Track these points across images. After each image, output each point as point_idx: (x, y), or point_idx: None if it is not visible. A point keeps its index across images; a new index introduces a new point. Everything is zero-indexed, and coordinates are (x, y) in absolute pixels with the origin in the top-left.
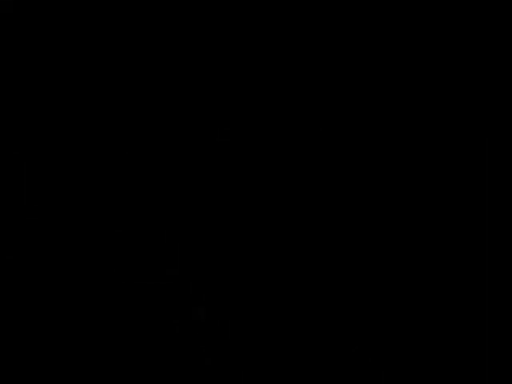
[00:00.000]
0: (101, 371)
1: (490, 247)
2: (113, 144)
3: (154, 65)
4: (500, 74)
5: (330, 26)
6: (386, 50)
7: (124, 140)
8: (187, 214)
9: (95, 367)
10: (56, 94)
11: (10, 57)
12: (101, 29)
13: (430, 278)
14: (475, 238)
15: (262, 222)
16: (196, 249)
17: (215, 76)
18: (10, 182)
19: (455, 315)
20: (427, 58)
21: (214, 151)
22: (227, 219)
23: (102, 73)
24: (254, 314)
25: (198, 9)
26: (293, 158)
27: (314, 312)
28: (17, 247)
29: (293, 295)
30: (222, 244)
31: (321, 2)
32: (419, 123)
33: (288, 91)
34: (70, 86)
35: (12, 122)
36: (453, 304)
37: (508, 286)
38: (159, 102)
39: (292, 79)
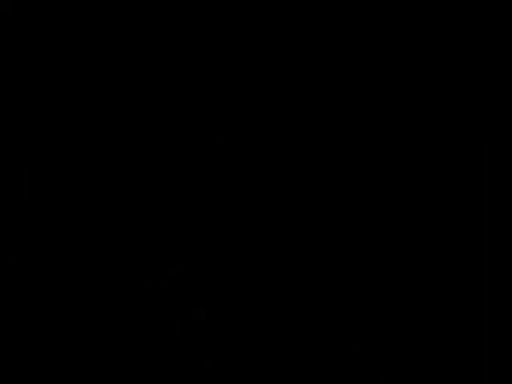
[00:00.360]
0: (101, 371)
1: (490, 247)
2: (113, 144)
3: (154, 65)
4: (500, 74)
5: (329, 27)
6: (385, 50)
7: (124, 140)
8: (187, 214)
9: (95, 367)
10: (56, 93)
11: (10, 57)
12: (101, 29)
13: (430, 278)
14: (475, 237)
15: (261, 222)
16: (196, 249)
17: (215, 76)
18: (10, 181)
19: (455, 315)
20: (427, 58)
21: (214, 151)
22: (227, 219)
23: (102, 73)
24: (253, 314)
25: (198, 9)
26: (293, 158)
27: (313, 312)
28: (17, 247)
29: (293, 295)
30: (222, 244)
31: (321, 2)
32: (419, 123)
33: (288, 91)
34: (70, 86)
35: (12, 121)
36: (453, 304)
37: (508, 285)
38: (159, 102)
39: (292, 79)
